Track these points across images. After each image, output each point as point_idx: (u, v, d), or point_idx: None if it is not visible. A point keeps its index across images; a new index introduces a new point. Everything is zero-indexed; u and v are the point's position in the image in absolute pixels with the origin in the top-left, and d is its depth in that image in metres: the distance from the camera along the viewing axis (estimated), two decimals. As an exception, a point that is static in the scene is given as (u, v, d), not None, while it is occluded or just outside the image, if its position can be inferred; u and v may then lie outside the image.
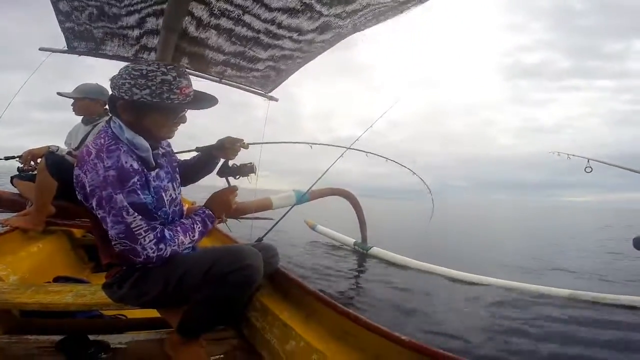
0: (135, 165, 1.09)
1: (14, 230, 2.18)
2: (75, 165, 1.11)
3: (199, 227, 1.21)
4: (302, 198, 3.53)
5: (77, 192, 1.13)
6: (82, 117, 2.55)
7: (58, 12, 2.30)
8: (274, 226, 2.02)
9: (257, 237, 1.79)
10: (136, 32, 2.42)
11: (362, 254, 5.75)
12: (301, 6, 1.92)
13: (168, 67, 1.08)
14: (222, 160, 1.46)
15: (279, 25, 2.14)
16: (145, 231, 1.05)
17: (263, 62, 2.70)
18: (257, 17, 2.04)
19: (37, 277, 1.99)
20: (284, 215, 2.14)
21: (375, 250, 5.62)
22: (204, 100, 1.18)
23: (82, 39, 2.63)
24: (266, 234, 1.89)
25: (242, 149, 1.44)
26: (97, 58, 2.88)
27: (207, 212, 1.26)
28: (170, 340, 1.29)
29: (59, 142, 2.52)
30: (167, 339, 1.33)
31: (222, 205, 1.31)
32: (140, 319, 1.67)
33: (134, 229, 1.04)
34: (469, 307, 3.66)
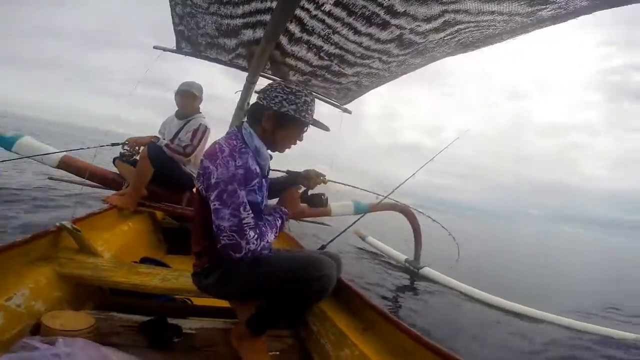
0: (257, 170, 1.26)
1: (112, 209, 2.46)
2: (204, 157, 1.23)
3: (278, 223, 1.32)
4: (360, 209, 3.53)
5: (198, 181, 1.24)
6: (176, 110, 2.90)
7: (174, 14, 2.60)
8: (338, 236, 2.05)
9: (320, 245, 1.84)
10: (234, 43, 2.67)
11: (412, 272, 5.54)
12: (393, 36, 1.96)
13: (308, 92, 1.28)
14: (302, 188, 1.62)
15: (368, 48, 2.20)
16: (251, 228, 1.16)
17: (347, 77, 2.81)
18: (347, 38, 2.13)
19: (127, 255, 2.21)
20: (348, 227, 2.16)
21: (427, 270, 5.37)
22: (321, 124, 1.35)
23: (189, 42, 2.98)
24: (330, 242, 1.93)
25: (322, 183, 1.62)
26: (197, 59, 3.28)
27: (283, 209, 1.38)
28: (237, 331, 1.37)
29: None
30: (233, 330, 1.42)
31: (291, 203, 1.43)
32: (205, 307, 1.79)
33: (244, 224, 1.14)
34: (527, 343, 3.40)
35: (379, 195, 3.62)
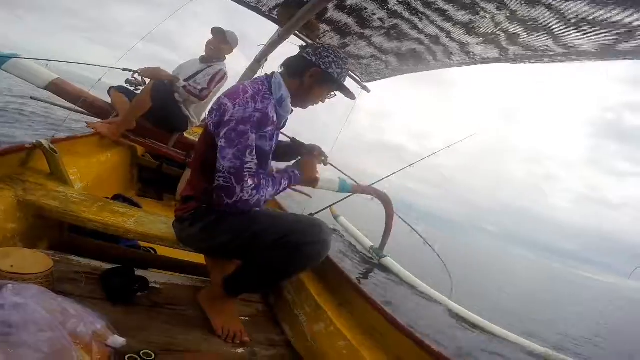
0: (275, 118, 1.21)
1: (94, 135, 2.26)
2: (224, 95, 1.18)
3: (285, 183, 1.26)
4: (344, 188, 3.51)
5: (210, 116, 1.19)
6: (201, 55, 2.83)
7: None
8: (328, 207, 1.99)
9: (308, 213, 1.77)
10: None
11: (373, 260, 5.67)
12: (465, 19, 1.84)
13: (347, 60, 1.31)
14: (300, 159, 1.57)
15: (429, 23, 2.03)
16: (250, 175, 1.10)
17: (383, 53, 2.67)
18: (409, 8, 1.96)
19: (98, 188, 1.97)
20: (338, 202, 2.11)
21: (389, 261, 5.51)
22: (349, 92, 1.37)
23: None
24: (318, 212, 1.86)
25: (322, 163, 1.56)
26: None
27: (296, 172, 1.31)
28: (207, 292, 1.29)
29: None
30: (203, 290, 1.33)
31: (310, 171, 1.37)
32: (172, 259, 1.65)
33: (245, 169, 1.09)
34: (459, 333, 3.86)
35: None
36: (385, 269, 5.44)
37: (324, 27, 2.50)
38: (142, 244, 1.67)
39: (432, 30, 2.05)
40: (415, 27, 2.09)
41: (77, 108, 2.60)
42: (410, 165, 2.57)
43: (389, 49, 2.54)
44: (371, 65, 2.98)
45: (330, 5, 2.19)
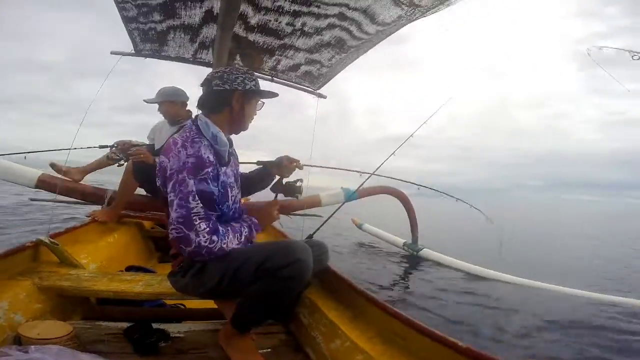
0: (212, 158, 1.24)
1: (93, 222, 2.44)
2: (160, 153, 1.26)
3: (245, 232, 1.30)
4: (351, 196, 3.51)
5: (157, 178, 1.27)
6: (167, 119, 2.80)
7: (124, 17, 2.50)
8: (323, 224, 2.03)
9: (307, 234, 1.81)
10: (193, 36, 2.59)
11: (412, 255, 5.56)
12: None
13: (250, 70, 1.40)
14: (277, 177, 1.59)
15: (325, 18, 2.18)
16: (200, 219, 1.15)
17: (306, 53, 2.76)
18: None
19: (113, 265, 2.19)
20: (333, 213, 2.14)
21: (427, 252, 5.37)
22: (268, 94, 1.43)
23: (146, 40, 2.85)
24: (316, 231, 1.90)
25: (297, 169, 1.58)
26: (162, 61, 3.14)
27: (253, 220, 1.37)
28: (224, 331, 1.34)
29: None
30: (220, 330, 1.39)
31: (265, 217, 1.45)
32: (198, 310, 1.77)
33: (192, 215, 1.14)
34: (535, 313, 3.37)
35: (362, 172, 3.55)
36: (426, 260, 5.32)
37: (253, 50, 2.64)
38: (170, 301, 1.81)
39: (334, 10, 2.11)
40: (319, 15, 2.16)
41: (72, 200, 2.82)
42: (392, 154, 2.51)
43: (315, 47, 2.61)
44: (311, 71, 3.05)
45: (240, 30, 2.31)
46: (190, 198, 1.14)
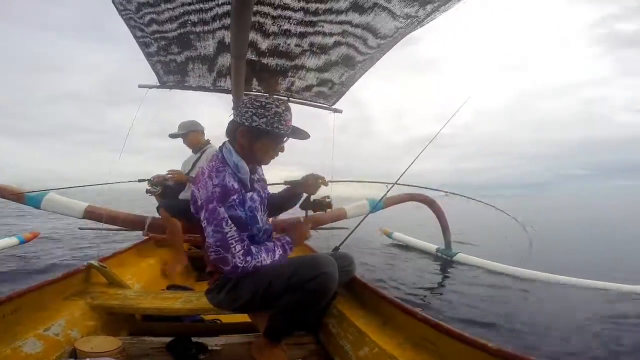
0: (236, 186, 1.29)
1: (133, 248, 2.68)
2: (192, 182, 1.35)
3: (279, 251, 1.36)
4: (376, 206, 3.51)
5: (192, 207, 1.36)
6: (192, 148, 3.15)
7: (145, 52, 2.73)
8: (349, 235, 2.06)
9: (334, 247, 1.85)
10: (209, 57, 2.72)
11: (446, 260, 5.41)
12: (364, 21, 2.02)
13: (279, 102, 1.30)
14: (304, 195, 1.64)
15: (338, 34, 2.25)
16: (236, 241, 1.23)
17: (317, 73, 2.86)
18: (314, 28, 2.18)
19: (155, 285, 2.40)
20: (357, 225, 2.16)
21: (462, 256, 5.22)
22: (300, 133, 1.39)
23: (169, 72, 3.09)
24: (342, 243, 1.93)
25: (322, 185, 1.61)
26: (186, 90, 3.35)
27: (287, 239, 1.42)
28: (256, 343, 1.42)
29: (177, 165, 3.21)
30: (253, 342, 1.46)
31: (300, 237, 1.50)
32: (233, 324, 1.87)
33: (228, 238, 1.22)
34: (582, 316, 3.16)
35: (382, 182, 3.50)
36: (461, 265, 5.16)
37: (267, 74, 2.76)
38: (208, 316, 1.93)
39: (336, 28, 2.17)
40: (325, 34, 2.23)
41: (117, 227, 3.11)
42: (413, 162, 2.48)
43: (325, 66, 2.69)
44: (324, 91, 3.14)
45: (253, 56, 2.42)
46: (224, 224, 1.22)
